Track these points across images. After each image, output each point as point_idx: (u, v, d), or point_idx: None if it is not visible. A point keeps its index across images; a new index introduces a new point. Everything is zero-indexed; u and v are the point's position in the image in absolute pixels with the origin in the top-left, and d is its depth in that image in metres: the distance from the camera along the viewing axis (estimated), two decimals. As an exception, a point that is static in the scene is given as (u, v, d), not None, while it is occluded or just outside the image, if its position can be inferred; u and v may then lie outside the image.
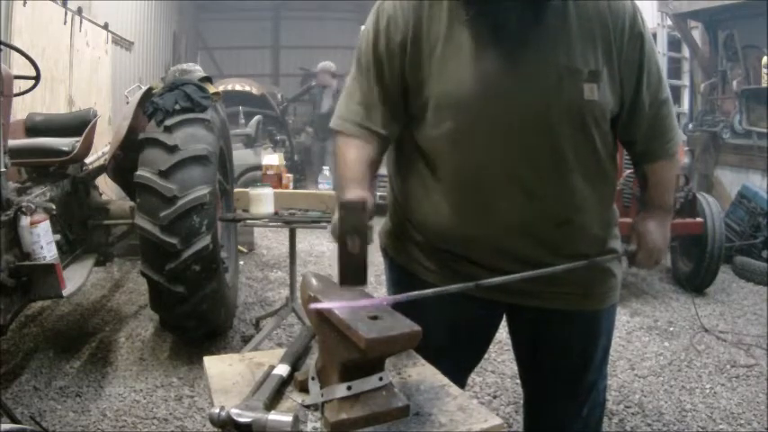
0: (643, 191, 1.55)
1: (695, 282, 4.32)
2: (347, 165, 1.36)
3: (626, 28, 1.34)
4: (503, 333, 1.66)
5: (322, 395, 1.03)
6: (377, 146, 1.39)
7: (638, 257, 1.48)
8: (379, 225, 1.62)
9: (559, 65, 1.29)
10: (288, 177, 3.83)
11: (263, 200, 3.00)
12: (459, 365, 1.53)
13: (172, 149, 2.86)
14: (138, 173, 2.86)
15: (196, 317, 2.96)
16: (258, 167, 4.91)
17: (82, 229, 3.37)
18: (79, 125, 3.38)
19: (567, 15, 1.30)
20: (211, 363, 1.28)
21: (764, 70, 5.94)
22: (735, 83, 6.07)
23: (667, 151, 1.47)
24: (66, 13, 5.27)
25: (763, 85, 5.89)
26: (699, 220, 4.22)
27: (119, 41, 7.20)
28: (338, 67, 7.89)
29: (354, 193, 1.26)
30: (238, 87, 8.39)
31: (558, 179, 1.35)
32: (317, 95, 8.02)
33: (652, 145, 1.46)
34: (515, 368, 1.73)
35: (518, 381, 1.75)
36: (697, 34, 6.62)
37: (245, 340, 3.27)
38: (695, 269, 4.34)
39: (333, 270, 4.17)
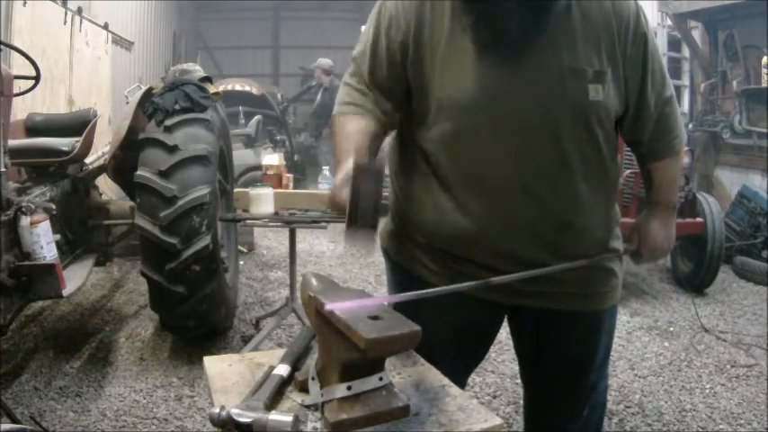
0: (648, 189, 1.54)
1: (695, 282, 4.32)
2: (344, 137, 1.33)
3: (630, 28, 1.33)
4: (503, 333, 1.66)
5: (322, 395, 1.03)
6: (376, 122, 1.35)
7: (641, 256, 1.48)
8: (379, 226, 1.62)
9: (563, 66, 1.28)
10: (288, 177, 3.83)
11: (263, 200, 3.00)
12: (460, 366, 1.53)
13: (172, 149, 2.86)
14: (138, 173, 2.86)
15: (196, 317, 2.96)
16: (258, 167, 4.91)
17: (82, 229, 3.37)
18: (79, 125, 3.38)
19: (570, 16, 1.29)
20: (211, 363, 1.28)
21: (764, 70, 5.94)
22: (735, 83, 6.08)
23: (672, 149, 1.47)
24: (66, 13, 5.26)
25: (763, 85, 5.89)
26: (699, 220, 4.22)
27: (119, 41, 7.19)
28: (338, 67, 7.88)
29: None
30: (238, 87, 8.38)
31: (561, 180, 1.34)
32: (315, 94, 8.02)
33: (657, 143, 1.46)
34: (515, 368, 1.74)
35: (518, 381, 1.76)
36: (697, 34, 6.62)
37: (245, 340, 3.27)
38: (695, 269, 4.35)
39: (333, 270, 4.14)
